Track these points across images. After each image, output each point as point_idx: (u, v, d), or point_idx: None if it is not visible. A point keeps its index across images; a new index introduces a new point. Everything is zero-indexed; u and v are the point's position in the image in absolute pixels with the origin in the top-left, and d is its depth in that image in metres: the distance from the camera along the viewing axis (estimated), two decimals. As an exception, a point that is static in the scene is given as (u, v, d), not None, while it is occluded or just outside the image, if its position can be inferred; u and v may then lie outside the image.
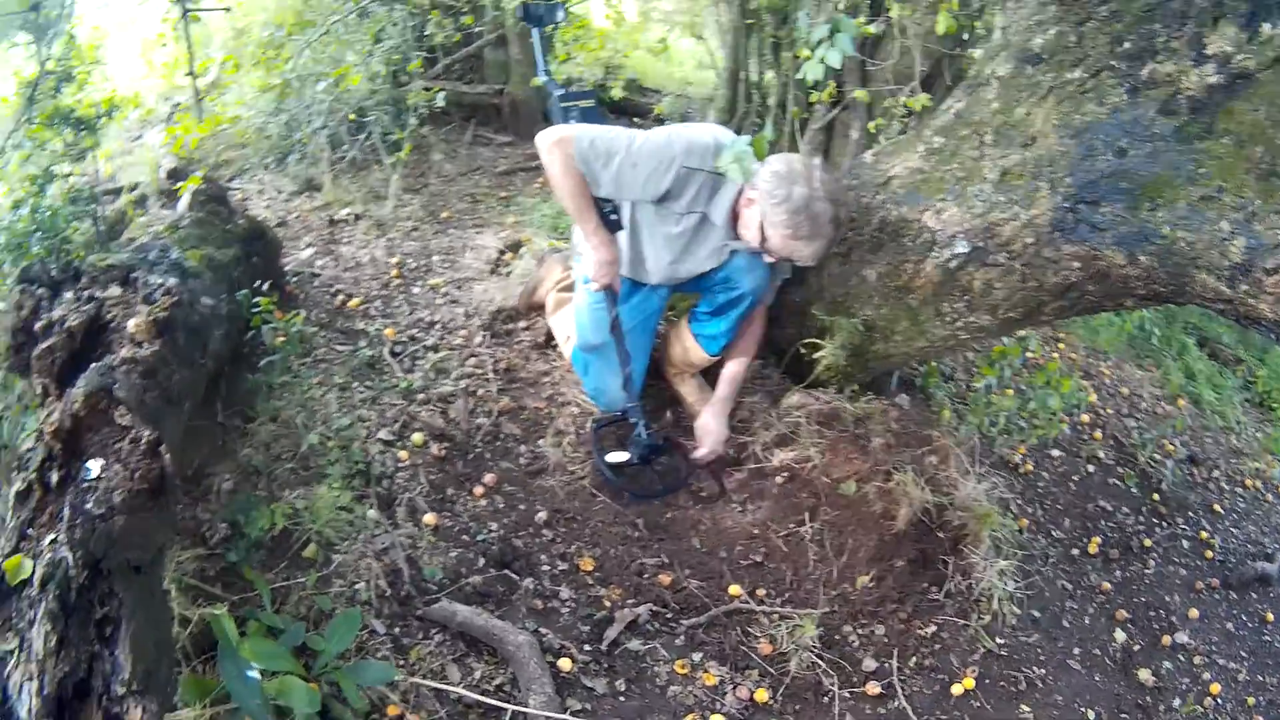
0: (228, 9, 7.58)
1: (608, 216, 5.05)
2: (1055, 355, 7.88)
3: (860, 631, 4.97)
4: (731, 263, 5.20)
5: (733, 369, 5.46)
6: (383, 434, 5.12)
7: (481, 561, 4.71)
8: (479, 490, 5.11)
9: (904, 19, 6.08)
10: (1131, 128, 4.20)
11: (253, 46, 8.49)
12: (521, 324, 6.16)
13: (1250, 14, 3.92)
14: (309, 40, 7.57)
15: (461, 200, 7.89)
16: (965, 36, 6.40)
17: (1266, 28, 3.87)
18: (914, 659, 4.89)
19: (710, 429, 5.36)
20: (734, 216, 4.91)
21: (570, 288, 5.83)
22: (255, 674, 3.47)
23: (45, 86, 5.80)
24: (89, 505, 3.01)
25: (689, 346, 5.57)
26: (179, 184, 6.37)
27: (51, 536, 2.94)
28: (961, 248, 4.81)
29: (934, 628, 5.04)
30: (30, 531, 3.07)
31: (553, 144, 4.77)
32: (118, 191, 7.46)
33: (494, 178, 8.43)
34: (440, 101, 7.59)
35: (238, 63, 7.98)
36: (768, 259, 4.95)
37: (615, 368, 5.28)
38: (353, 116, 7.68)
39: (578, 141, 4.72)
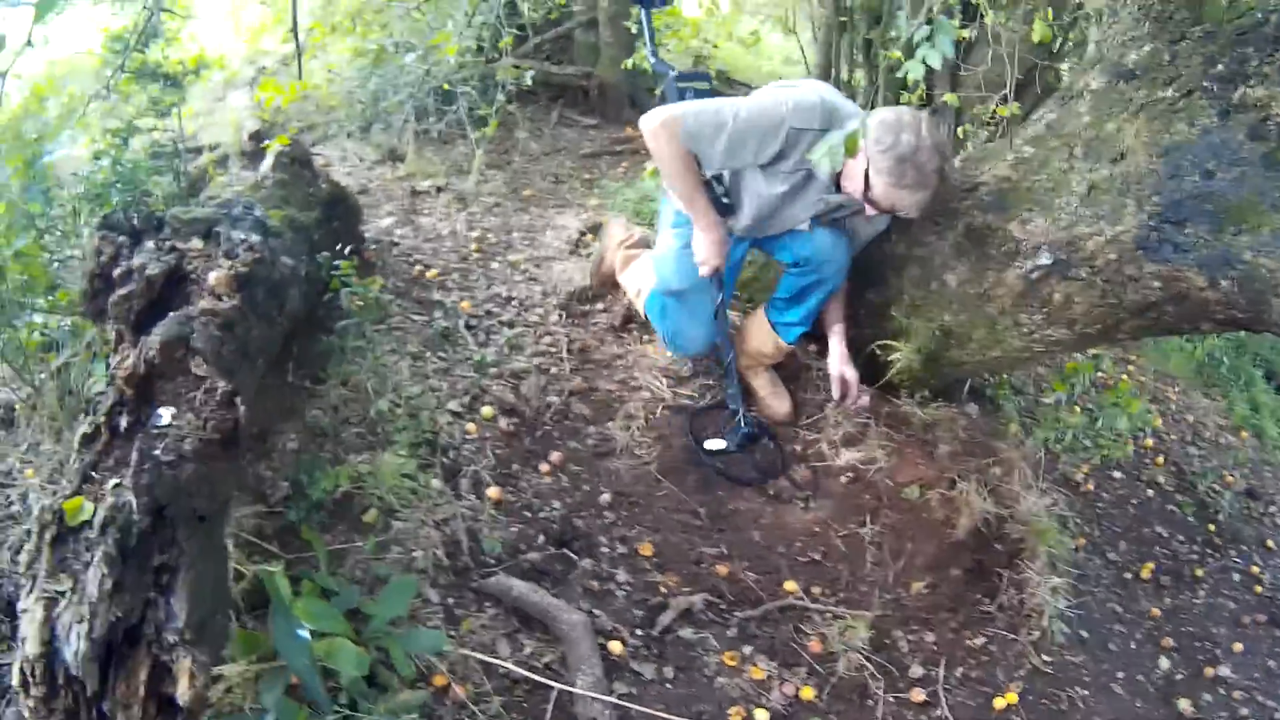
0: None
1: (718, 199, 5.02)
2: (1125, 376, 7.82)
3: (910, 637, 4.94)
4: (815, 241, 5.18)
5: (837, 327, 5.47)
6: (452, 405, 5.12)
7: (541, 539, 4.70)
8: (545, 468, 5.11)
9: (998, 25, 6.03)
10: (1220, 150, 4.14)
11: (339, 16, 8.53)
12: (599, 306, 6.17)
13: (1342, 41, 3.88)
14: (407, 8, 7.58)
15: (544, 179, 7.91)
16: (1057, 48, 6.34)
17: (1357, 55, 3.84)
18: (960, 669, 4.85)
19: (848, 376, 5.46)
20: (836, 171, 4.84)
21: (637, 244, 5.89)
22: (305, 634, 3.46)
23: (133, 42, 5.82)
24: (158, 452, 3.01)
25: (766, 336, 5.55)
26: (261, 145, 6.40)
27: (116, 481, 2.94)
28: (1045, 259, 4.76)
29: (983, 639, 5.02)
30: (95, 475, 3.07)
31: (658, 126, 4.73)
32: (199, 150, 7.51)
33: (578, 159, 8.44)
34: (528, 80, 7.60)
35: (327, 28, 7.99)
36: (869, 211, 4.88)
37: (697, 314, 5.35)
38: (446, 87, 7.68)
39: (684, 120, 4.69)
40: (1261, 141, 4.02)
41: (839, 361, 5.44)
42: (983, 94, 6.53)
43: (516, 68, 7.70)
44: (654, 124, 4.75)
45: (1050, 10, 5.87)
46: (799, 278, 5.30)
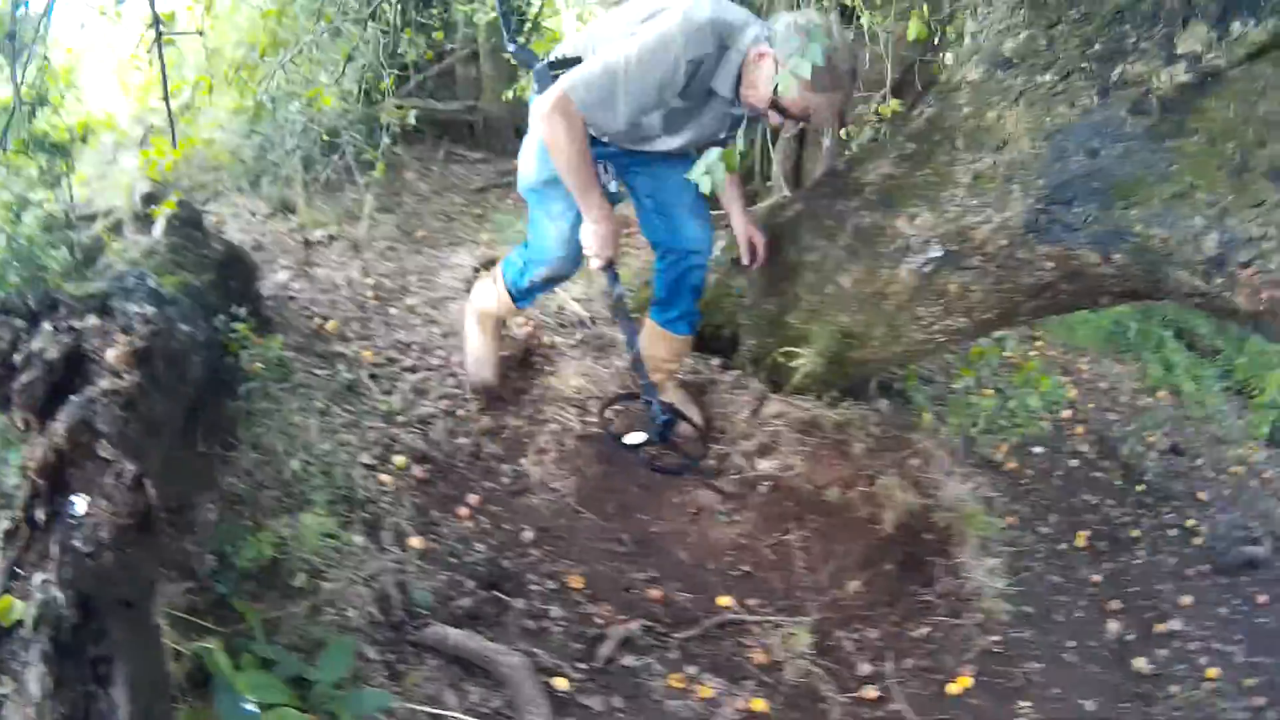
0: (200, 33, 7.53)
1: (605, 188, 4.88)
2: (1033, 354, 7.93)
3: (853, 636, 4.99)
4: (685, 231, 5.35)
5: (736, 204, 5.48)
6: (365, 458, 5.09)
7: (470, 583, 4.67)
8: (464, 511, 5.10)
9: (874, 26, 6.08)
10: (1103, 129, 4.23)
11: (225, 67, 8.48)
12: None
13: (1221, 13, 3.94)
14: (281, 61, 7.55)
15: (436, 219, 7.90)
16: (935, 42, 6.39)
17: (1236, 26, 3.90)
18: (909, 660, 4.91)
19: (755, 238, 5.50)
20: (737, 81, 4.69)
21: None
22: (252, 707, 3.42)
23: (20, 113, 5.75)
24: (76, 543, 2.98)
25: (659, 339, 5.60)
26: (154, 208, 6.35)
27: (42, 576, 2.91)
28: (936, 252, 4.82)
29: (927, 629, 5.08)
30: (20, 571, 3.03)
31: (549, 110, 4.51)
32: (93, 217, 7.43)
33: (468, 195, 8.44)
34: (413, 120, 7.58)
35: (211, 84, 7.94)
36: (774, 119, 4.72)
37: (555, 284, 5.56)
38: (325, 137, 7.66)
39: (575, 92, 4.49)
40: (1144, 116, 4.11)
41: (743, 226, 5.47)
42: (864, 94, 6.59)
43: (400, 108, 7.69)
44: (544, 109, 4.53)
45: (926, 7, 5.90)
46: (670, 270, 5.40)
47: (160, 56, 5.77)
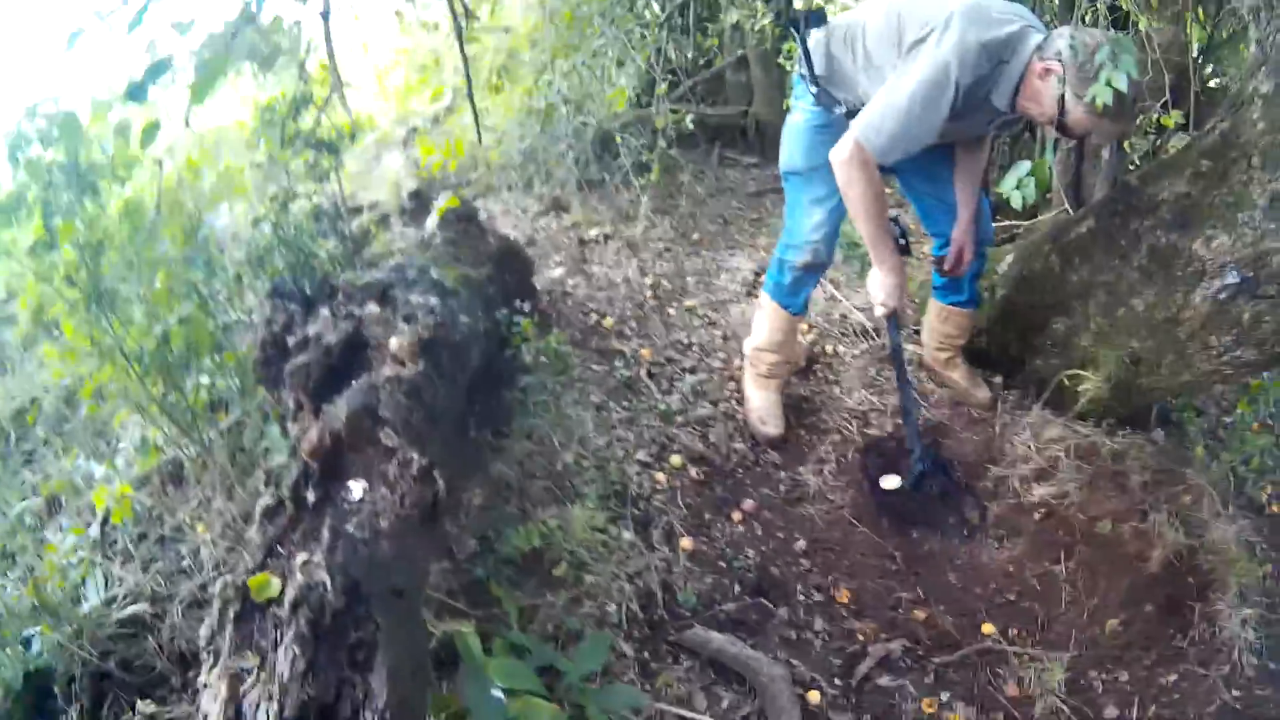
0: (506, 29, 7.63)
1: (897, 240, 4.90)
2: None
3: (1105, 677, 4.79)
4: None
5: (969, 199, 5.28)
6: (640, 455, 5.10)
7: (737, 589, 4.64)
8: (737, 516, 5.06)
9: (1150, 30, 5.89)
10: None
11: (486, 73, 8.59)
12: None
13: None
14: (574, 64, 7.60)
15: (712, 222, 7.86)
16: (1203, 47, 6.17)
17: None
18: (1153, 708, 4.67)
19: (966, 252, 5.35)
20: (1014, 91, 4.58)
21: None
22: (499, 693, 3.42)
23: (281, 111, 5.86)
24: (351, 528, 2.95)
25: (945, 314, 5.65)
26: (422, 203, 6.41)
27: (304, 557, 2.87)
28: (1233, 278, 4.60)
29: (1175, 676, 4.82)
30: (280, 549, 3.01)
31: (845, 160, 4.51)
32: (359, 210, 7.56)
33: (743, 199, 8.38)
34: (688, 124, 7.60)
35: (499, 84, 8.04)
36: (1052, 132, 4.69)
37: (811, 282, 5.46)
38: (618, 138, 7.68)
39: (868, 143, 4.45)
40: None
41: (963, 233, 5.33)
42: (1143, 103, 6.41)
43: (674, 111, 7.67)
44: (842, 156, 4.51)
45: (1200, 9, 5.68)
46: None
47: (463, 51, 5.84)
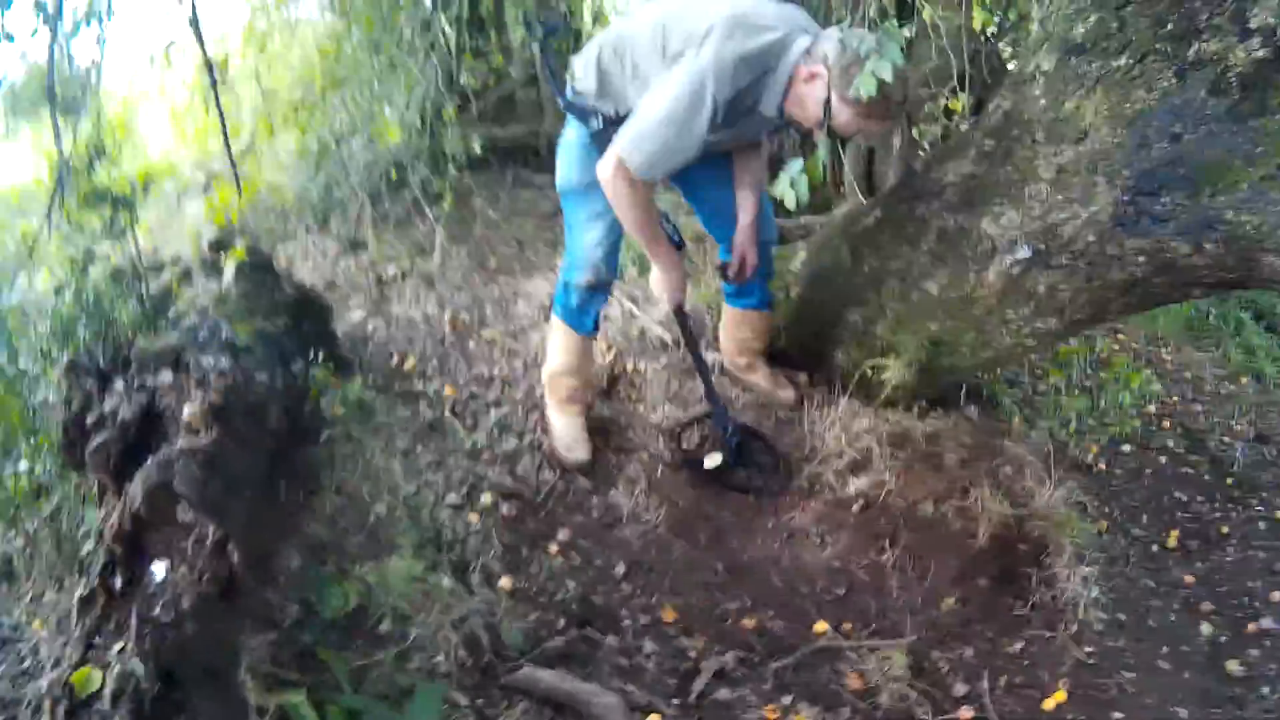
0: (257, 79, 7.55)
1: (670, 238, 4.96)
2: (1116, 347, 7.85)
3: (949, 656, 4.90)
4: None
5: (749, 204, 5.31)
6: (451, 498, 5.05)
7: (562, 622, 4.62)
8: (553, 548, 5.05)
9: (936, 18, 5.99)
10: (1183, 111, 4.13)
11: (284, 107, 8.49)
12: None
13: (1290, -17, 3.86)
14: (342, 99, 7.54)
15: (508, 246, 7.83)
16: (996, 30, 6.30)
17: (1309, -5, 3.82)
18: (1004, 678, 4.80)
19: (749, 258, 5.37)
20: (782, 97, 4.62)
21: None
22: (339, 761, 3.38)
23: (77, 165, 5.75)
24: (157, 612, 2.93)
25: (746, 322, 5.71)
26: (222, 254, 6.33)
27: (120, 645, 2.86)
28: (1024, 253, 4.74)
29: (1022, 643, 5.00)
30: (97, 640, 2.99)
31: (609, 177, 4.53)
32: (161, 266, 7.43)
33: (538, 220, 8.34)
34: (478, 147, 7.55)
35: (270, 126, 7.95)
36: (819, 135, 4.69)
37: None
38: (393, 174, 7.65)
39: (629, 159, 4.45)
40: (1224, 96, 4.02)
41: (744, 237, 5.34)
42: (932, 90, 6.52)
43: (464, 137, 7.66)
44: (606, 174, 4.53)
45: (986, -6, 5.82)
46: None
47: (217, 103, 5.76)
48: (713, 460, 5.40)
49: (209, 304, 5.26)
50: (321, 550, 4.41)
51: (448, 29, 7.70)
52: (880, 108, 4.38)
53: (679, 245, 5.08)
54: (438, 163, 7.68)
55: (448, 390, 5.85)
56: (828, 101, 4.41)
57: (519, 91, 9.50)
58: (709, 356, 5.95)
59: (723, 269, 5.50)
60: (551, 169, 5.21)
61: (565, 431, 5.55)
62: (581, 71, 4.85)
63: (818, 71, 4.41)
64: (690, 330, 5.36)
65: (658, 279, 5.05)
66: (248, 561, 3.36)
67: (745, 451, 5.49)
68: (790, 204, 4.39)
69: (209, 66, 5.55)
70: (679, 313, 5.21)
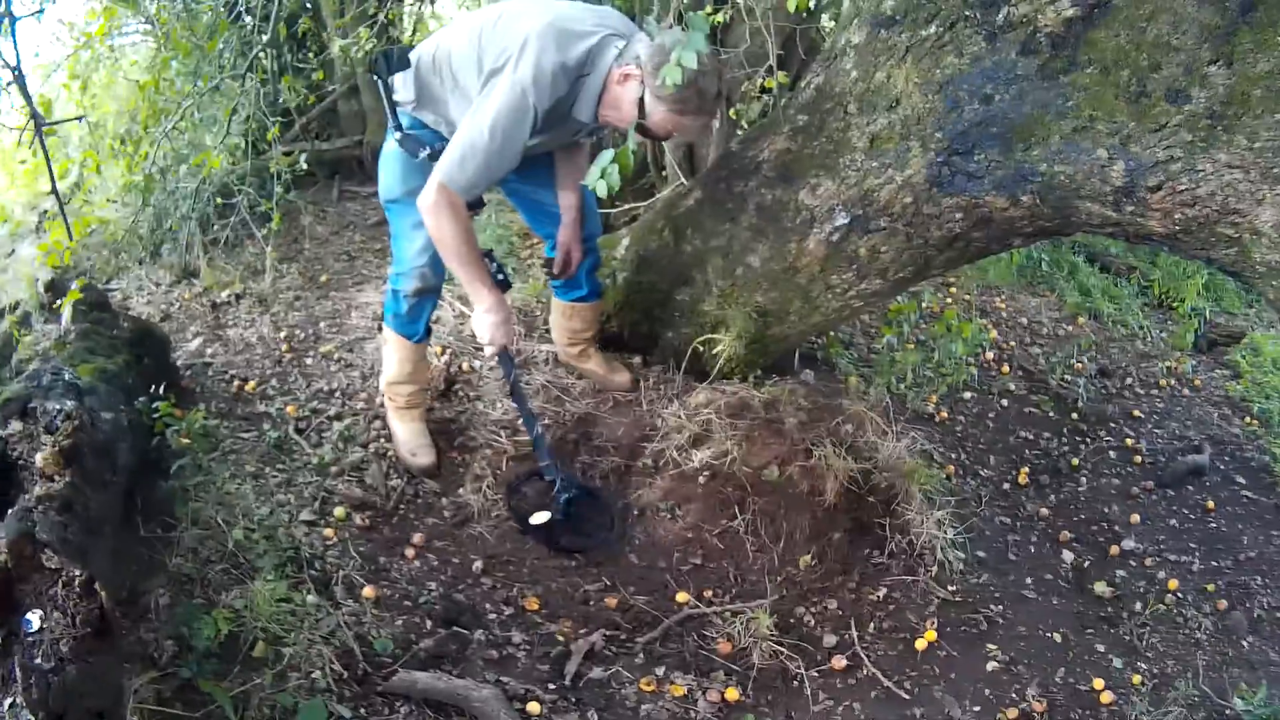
0: (80, 118, 7.47)
1: (495, 276, 4.93)
2: (949, 300, 8.01)
3: (814, 610, 5.11)
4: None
5: (571, 203, 5.43)
6: (305, 515, 5.08)
7: (429, 623, 4.68)
8: (410, 552, 5.11)
9: (750, 4, 6.09)
10: (994, 74, 4.34)
11: (109, 141, 8.41)
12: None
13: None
14: (165, 129, 7.51)
15: (338, 260, 7.86)
16: (811, 7, 6.42)
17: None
18: (872, 625, 5.04)
19: (574, 254, 5.53)
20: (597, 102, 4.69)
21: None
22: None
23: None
24: (39, 660, 2.97)
25: (576, 313, 5.79)
26: (59, 296, 6.31)
27: (9, 700, 2.90)
28: (841, 219, 4.93)
29: (885, 590, 5.21)
30: (-13, 698, 3.02)
31: (431, 206, 4.54)
32: (0, 313, 7.38)
33: (366, 230, 8.38)
34: (303, 164, 7.57)
35: (98, 163, 7.88)
36: (636, 138, 4.61)
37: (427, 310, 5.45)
38: (219, 199, 7.67)
39: (452, 183, 4.49)
40: (1034, 55, 4.23)
41: (568, 235, 5.50)
42: (748, 70, 6.62)
43: (287, 154, 7.67)
44: (428, 203, 4.55)
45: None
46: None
47: (44, 148, 5.74)
48: (540, 517, 5.37)
49: (49, 347, 5.24)
50: (188, 583, 4.42)
51: (266, 51, 7.69)
52: (694, 103, 4.44)
53: (505, 285, 5.08)
54: (264, 183, 7.67)
55: (289, 409, 5.85)
56: (641, 100, 4.48)
57: (340, 104, 9.44)
58: (543, 348, 6.08)
59: (549, 266, 5.58)
60: (375, 179, 5.22)
61: (409, 437, 5.60)
62: (401, 82, 4.87)
63: (631, 72, 4.48)
64: (515, 379, 5.35)
65: (480, 320, 4.94)
66: (116, 600, 3.40)
67: (574, 508, 5.47)
68: (602, 193, 4.46)
69: (32, 111, 5.52)
70: (502, 355, 5.15)
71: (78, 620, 3.09)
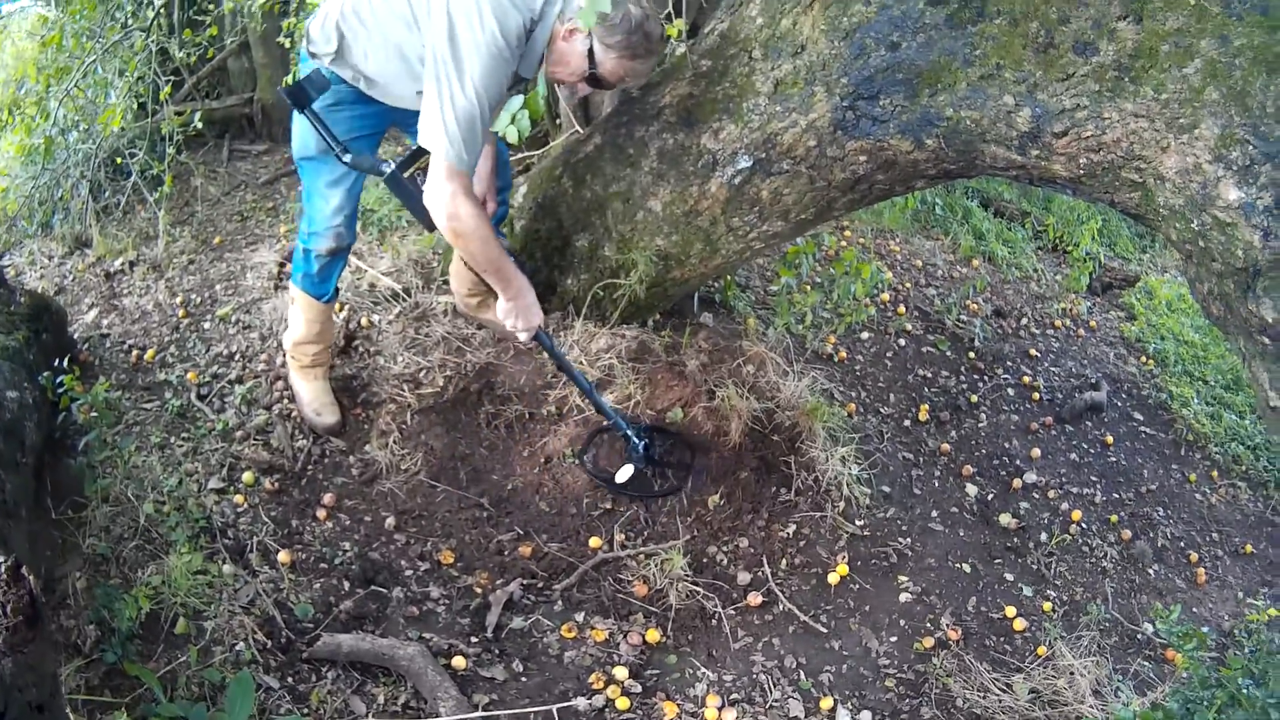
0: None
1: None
2: (844, 243, 8.09)
3: (725, 549, 5.22)
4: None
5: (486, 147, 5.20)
6: (213, 483, 5.07)
7: (347, 584, 4.71)
8: (322, 513, 5.12)
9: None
10: (902, 22, 4.39)
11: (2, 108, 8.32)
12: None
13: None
14: (66, 89, 7.41)
15: (231, 221, 7.78)
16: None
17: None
18: (784, 561, 5.17)
19: (482, 195, 5.25)
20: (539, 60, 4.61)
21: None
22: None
23: None
24: (-27, 657, 2.94)
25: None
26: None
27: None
28: (744, 162, 4.96)
29: (794, 526, 5.32)
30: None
31: (449, 198, 4.31)
32: (-107, 294, 7.29)
33: (257, 190, 8.30)
34: (196, 124, 7.51)
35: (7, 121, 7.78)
36: (582, 89, 4.71)
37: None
38: (117, 160, 7.60)
39: (461, 162, 4.29)
40: (942, 6, 4.29)
41: (483, 183, 5.31)
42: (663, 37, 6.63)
43: (179, 114, 7.59)
44: (441, 205, 4.33)
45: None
46: None
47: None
48: (625, 472, 5.35)
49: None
50: (103, 564, 4.41)
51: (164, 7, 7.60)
52: (643, 45, 4.43)
53: (522, 264, 5.02)
54: (154, 145, 7.61)
55: (190, 375, 5.81)
56: (590, 52, 4.44)
57: (231, 61, 9.26)
58: (441, 299, 6.09)
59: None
60: (266, 137, 5.12)
61: (313, 397, 5.58)
62: (318, 34, 4.69)
63: (575, 27, 4.42)
64: (559, 352, 5.21)
65: (509, 308, 4.83)
66: (39, 581, 3.38)
67: (654, 453, 5.45)
68: (513, 139, 4.41)
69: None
70: (542, 335, 5.00)
71: (8, 609, 3.05)
